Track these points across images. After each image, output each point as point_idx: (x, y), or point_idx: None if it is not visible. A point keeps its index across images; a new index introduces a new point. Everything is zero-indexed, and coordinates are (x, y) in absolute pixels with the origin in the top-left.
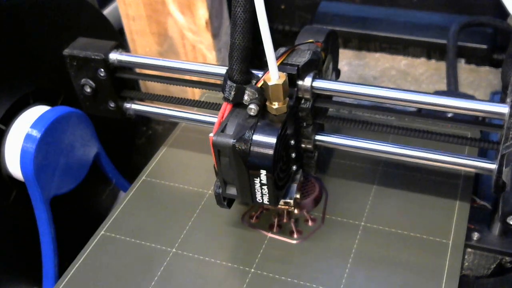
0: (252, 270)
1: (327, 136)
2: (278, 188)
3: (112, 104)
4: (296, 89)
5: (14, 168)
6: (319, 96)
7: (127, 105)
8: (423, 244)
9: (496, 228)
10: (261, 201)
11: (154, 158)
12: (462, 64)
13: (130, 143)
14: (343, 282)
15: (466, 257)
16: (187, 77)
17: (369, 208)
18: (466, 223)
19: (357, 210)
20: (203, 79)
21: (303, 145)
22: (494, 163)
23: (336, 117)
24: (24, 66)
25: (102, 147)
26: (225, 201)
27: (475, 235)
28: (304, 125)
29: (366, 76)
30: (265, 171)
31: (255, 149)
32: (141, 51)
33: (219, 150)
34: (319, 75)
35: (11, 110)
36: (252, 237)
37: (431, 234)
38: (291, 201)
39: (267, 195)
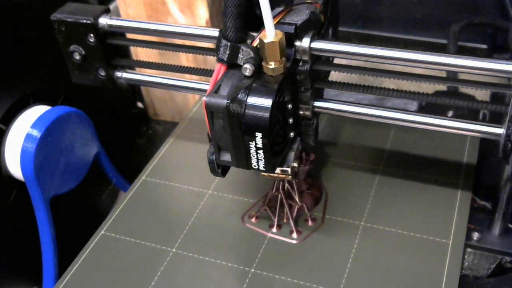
0: (252, 270)
1: (327, 102)
2: (274, 154)
3: (102, 73)
4: (293, 49)
5: (14, 168)
6: (318, 59)
7: (118, 74)
8: (423, 244)
9: (496, 228)
10: (256, 167)
11: (154, 158)
12: None
13: (130, 143)
14: (343, 282)
15: (466, 257)
16: (179, 41)
17: (369, 208)
18: (466, 223)
19: (357, 210)
20: (197, 44)
21: (301, 112)
22: (501, 127)
23: (336, 81)
24: (24, 66)
25: (102, 147)
26: (219, 168)
27: (475, 235)
28: (302, 89)
29: (366, 75)
30: (260, 134)
31: (250, 110)
32: (141, 50)
33: (212, 112)
34: (318, 36)
35: (11, 110)
36: (252, 237)
37: (431, 234)
38: (289, 169)
39: (263, 161)
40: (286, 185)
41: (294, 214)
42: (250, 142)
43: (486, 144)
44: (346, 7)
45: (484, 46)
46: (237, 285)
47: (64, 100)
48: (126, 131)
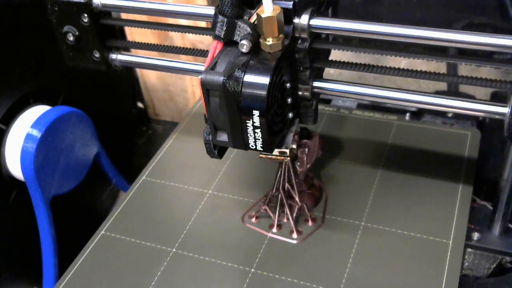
0: (252, 270)
1: (327, 82)
2: (272, 134)
3: (96, 55)
4: (292, 26)
5: (15, 168)
6: (317, 37)
7: (113, 56)
8: (423, 244)
9: (496, 228)
10: (254, 147)
11: (154, 158)
12: (462, 64)
13: (130, 143)
14: (343, 282)
15: (466, 257)
16: (171, 20)
17: (369, 208)
18: (466, 223)
19: (357, 210)
20: (193, 23)
21: (300, 93)
22: (506, 106)
23: (336, 60)
24: (24, 66)
25: (102, 147)
26: (215, 149)
27: (475, 235)
28: (301, 69)
29: (366, 76)
30: (258, 112)
31: (247, 87)
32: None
33: (208, 89)
34: (317, 13)
35: (11, 110)
36: (252, 237)
37: (431, 234)
38: (287, 151)
39: (261, 140)
40: (286, 185)
41: (294, 214)
42: (247, 121)
43: (486, 144)
44: (346, 7)
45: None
46: (237, 285)
47: (64, 100)
48: (126, 131)
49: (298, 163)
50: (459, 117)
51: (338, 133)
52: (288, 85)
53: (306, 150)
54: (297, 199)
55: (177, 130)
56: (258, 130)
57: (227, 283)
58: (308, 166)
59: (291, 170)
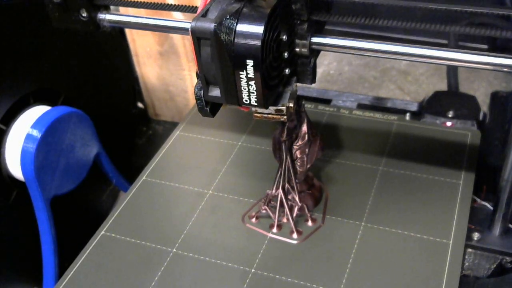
0: (252, 270)
1: (326, 37)
2: (268, 88)
3: (84, 14)
4: None
5: (15, 168)
6: None
7: (101, 16)
8: (423, 244)
9: (497, 228)
10: (248, 101)
11: (154, 158)
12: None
13: (130, 143)
14: (343, 282)
15: (466, 257)
16: None
17: (369, 208)
18: (467, 223)
19: (357, 210)
20: None
21: (297, 49)
22: None
23: (337, 13)
24: (24, 66)
25: (102, 147)
26: (207, 106)
27: (476, 235)
28: (299, 22)
29: (366, 76)
30: (252, 61)
31: (239, 35)
32: (141, 51)
33: (198, 37)
34: None
35: (11, 110)
36: (252, 237)
37: (431, 234)
38: (284, 109)
39: (255, 94)
40: (286, 185)
41: (294, 214)
42: (241, 73)
43: (486, 144)
44: (345, 7)
45: (484, 46)
46: (237, 285)
47: (64, 100)
48: (126, 131)
49: (298, 163)
50: (459, 117)
51: (338, 133)
52: (284, 37)
53: (306, 150)
54: (297, 199)
55: (177, 130)
56: (252, 83)
57: (227, 283)
58: (308, 166)
59: (291, 170)
